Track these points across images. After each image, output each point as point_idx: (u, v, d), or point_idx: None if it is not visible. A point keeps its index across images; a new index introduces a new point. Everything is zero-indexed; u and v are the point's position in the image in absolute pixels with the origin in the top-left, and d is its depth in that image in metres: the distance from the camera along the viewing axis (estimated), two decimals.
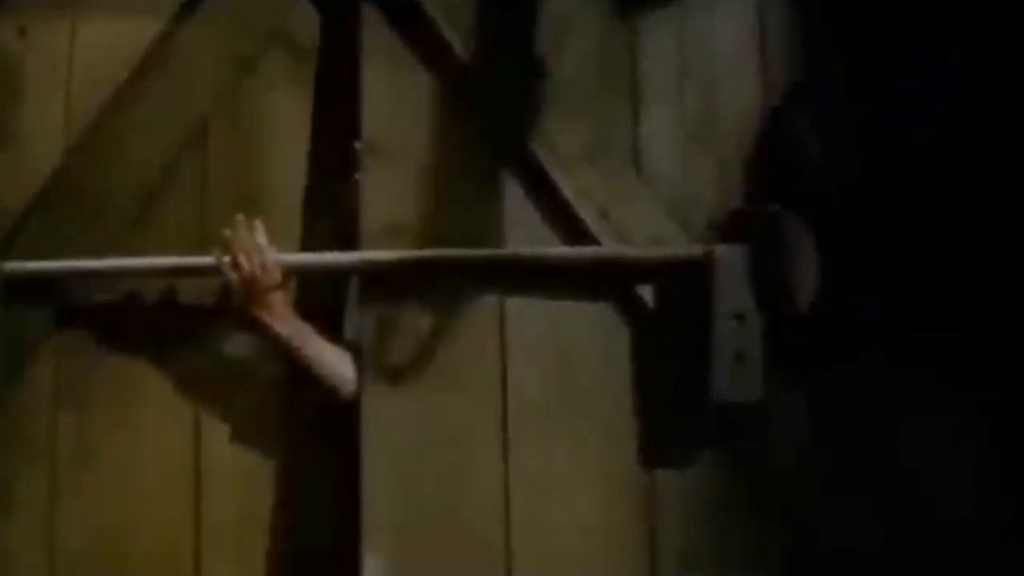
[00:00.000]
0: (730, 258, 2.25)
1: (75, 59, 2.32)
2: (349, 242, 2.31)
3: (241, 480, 2.30)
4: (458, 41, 2.31)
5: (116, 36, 2.33)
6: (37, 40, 2.32)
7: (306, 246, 2.35)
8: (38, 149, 2.30)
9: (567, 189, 2.30)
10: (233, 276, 2.19)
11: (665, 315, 2.29)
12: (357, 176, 2.30)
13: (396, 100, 2.31)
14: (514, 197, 2.31)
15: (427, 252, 2.25)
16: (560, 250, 2.30)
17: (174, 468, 2.28)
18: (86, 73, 2.32)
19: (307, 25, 2.37)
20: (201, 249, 2.25)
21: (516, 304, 2.29)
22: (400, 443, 2.23)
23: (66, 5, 2.33)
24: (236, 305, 2.22)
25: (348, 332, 2.32)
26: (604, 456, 2.27)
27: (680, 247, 2.29)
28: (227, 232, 2.19)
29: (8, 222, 2.26)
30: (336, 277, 2.35)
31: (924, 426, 2.29)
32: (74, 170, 2.29)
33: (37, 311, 2.26)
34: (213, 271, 2.21)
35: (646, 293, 2.30)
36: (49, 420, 2.25)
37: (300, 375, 2.27)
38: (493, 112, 2.33)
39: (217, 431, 2.28)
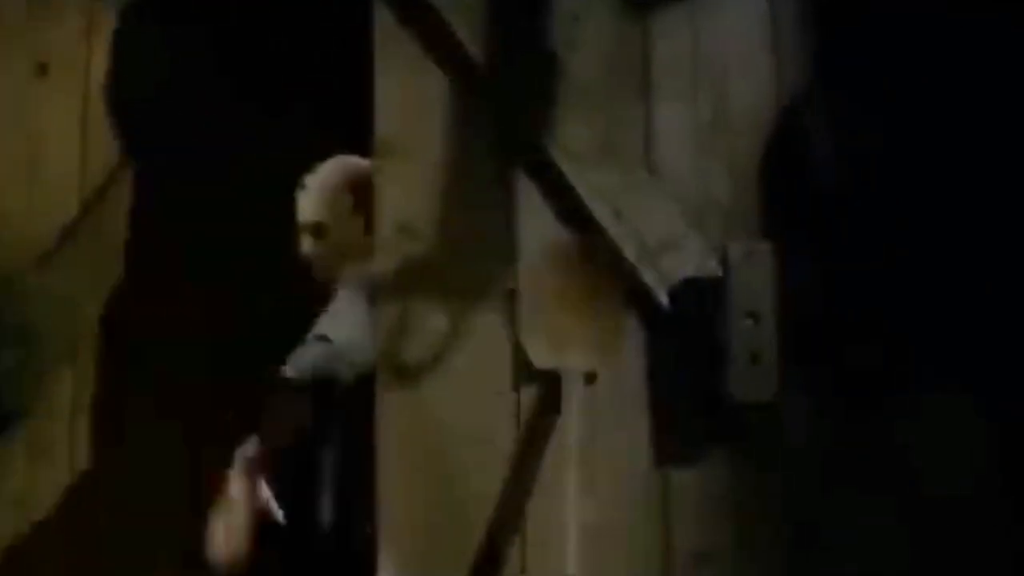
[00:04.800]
0: (745, 257, 2.24)
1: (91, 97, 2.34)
2: None
3: None
4: (471, 40, 2.30)
5: None
6: (56, 78, 2.34)
7: None
8: (58, 184, 2.32)
9: (580, 187, 2.29)
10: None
11: (679, 313, 2.28)
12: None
13: (409, 99, 2.31)
14: (527, 196, 2.31)
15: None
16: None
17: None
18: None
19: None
20: None
21: (528, 301, 2.29)
22: (414, 444, 2.24)
23: (84, 41, 2.34)
24: None
25: None
26: (616, 455, 2.26)
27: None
28: None
29: (29, 257, 2.28)
30: None
31: (928, 427, 2.28)
32: (94, 208, 2.31)
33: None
34: None
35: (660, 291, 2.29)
36: (69, 427, 2.28)
37: None
38: (506, 111, 2.32)
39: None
